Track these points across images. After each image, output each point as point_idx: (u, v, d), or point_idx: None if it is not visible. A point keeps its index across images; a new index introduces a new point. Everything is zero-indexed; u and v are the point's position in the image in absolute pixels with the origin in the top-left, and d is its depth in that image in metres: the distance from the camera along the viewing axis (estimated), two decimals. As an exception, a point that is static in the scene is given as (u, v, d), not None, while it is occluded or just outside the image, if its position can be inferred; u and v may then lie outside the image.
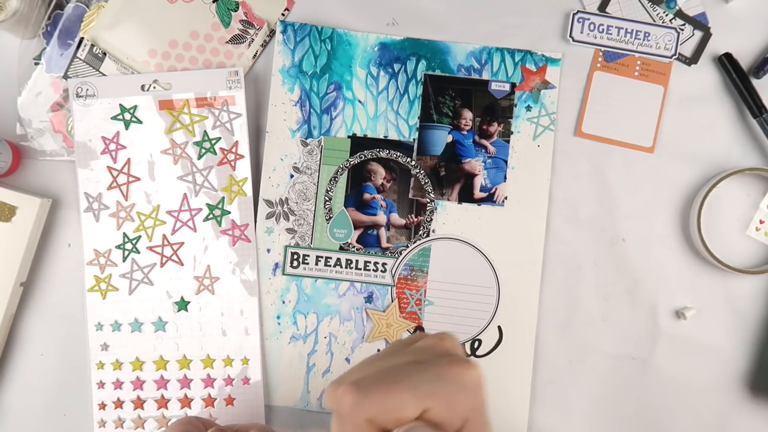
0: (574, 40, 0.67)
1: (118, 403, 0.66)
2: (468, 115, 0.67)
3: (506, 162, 0.67)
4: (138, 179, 0.67)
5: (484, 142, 0.67)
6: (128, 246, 0.67)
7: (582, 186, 0.68)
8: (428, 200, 0.67)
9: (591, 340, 0.67)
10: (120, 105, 0.66)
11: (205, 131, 0.67)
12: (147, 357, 0.66)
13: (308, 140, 0.67)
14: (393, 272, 0.66)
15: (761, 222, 0.66)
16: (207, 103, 0.66)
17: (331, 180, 0.67)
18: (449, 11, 0.68)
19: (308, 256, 0.67)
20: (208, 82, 0.67)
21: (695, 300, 0.67)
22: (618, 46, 0.67)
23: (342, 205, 0.67)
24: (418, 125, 0.67)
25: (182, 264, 0.67)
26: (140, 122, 0.67)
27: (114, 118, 0.67)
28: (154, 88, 0.66)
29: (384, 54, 0.67)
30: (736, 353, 0.66)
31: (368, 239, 0.67)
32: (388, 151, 0.67)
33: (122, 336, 0.67)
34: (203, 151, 0.67)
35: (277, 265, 0.67)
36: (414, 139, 0.67)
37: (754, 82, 0.66)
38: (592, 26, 0.67)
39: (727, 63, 0.66)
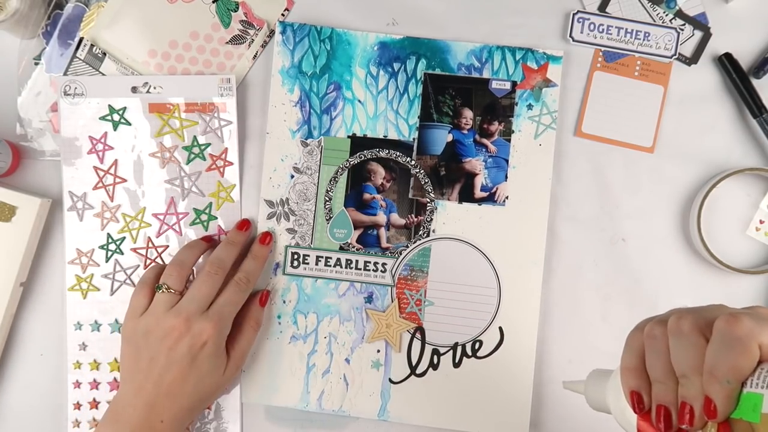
0: (574, 40, 0.67)
1: (94, 404, 0.66)
2: (468, 114, 0.67)
3: (507, 161, 0.67)
4: (124, 180, 0.67)
5: (485, 141, 0.67)
6: (112, 247, 0.67)
7: (582, 186, 0.67)
8: (428, 200, 0.66)
9: (591, 340, 0.67)
10: (109, 106, 0.66)
11: (195, 136, 0.67)
12: None
13: (308, 140, 0.67)
14: (393, 272, 0.66)
15: (761, 222, 0.66)
16: (197, 108, 0.66)
17: (331, 180, 0.67)
18: (449, 11, 0.68)
19: (308, 256, 0.66)
20: (199, 87, 0.67)
21: (695, 300, 0.67)
22: (618, 46, 0.67)
23: (342, 205, 0.67)
24: (418, 125, 0.67)
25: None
26: (129, 124, 0.67)
27: (102, 118, 0.66)
28: (148, 91, 0.66)
29: (383, 53, 0.67)
30: (737, 353, 0.66)
31: (368, 239, 0.67)
32: (388, 151, 0.67)
33: (101, 336, 0.67)
34: (192, 156, 0.67)
35: (277, 265, 0.67)
36: (414, 139, 0.67)
37: (754, 82, 0.66)
38: (592, 26, 0.67)
39: (727, 63, 0.66)
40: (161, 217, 0.67)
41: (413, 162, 0.67)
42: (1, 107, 0.68)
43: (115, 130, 0.67)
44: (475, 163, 0.67)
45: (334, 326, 0.66)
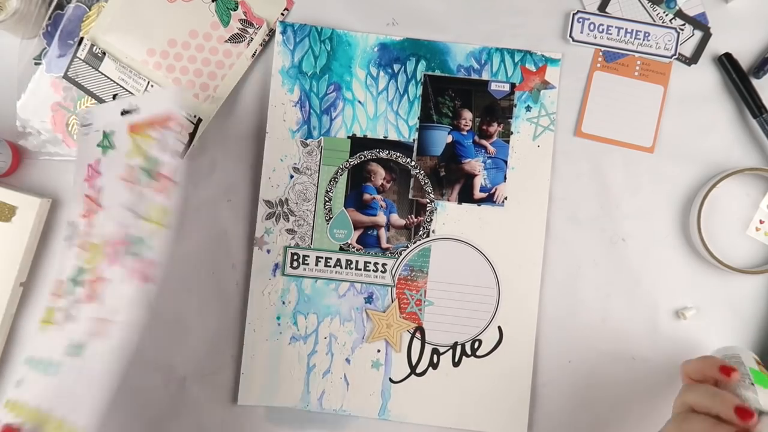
0: (574, 40, 0.67)
1: None
2: (468, 115, 0.67)
3: (506, 162, 0.67)
4: (101, 208, 0.60)
5: (484, 142, 0.67)
6: (77, 277, 0.58)
7: (582, 186, 0.67)
8: (428, 201, 0.67)
9: (591, 340, 0.67)
10: (103, 132, 0.61)
11: (151, 155, 0.58)
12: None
13: (308, 141, 0.67)
14: (393, 273, 0.66)
15: (761, 222, 0.66)
16: (157, 122, 0.58)
17: (330, 180, 0.67)
18: (449, 11, 0.68)
19: (308, 256, 0.67)
20: (161, 100, 0.59)
21: (695, 300, 0.67)
22: (618, 46, 0.67)
23: (342, 205, 0.67)
24: (417, 125, 0.67)
25: (98, 302, 0.57)
26: (113, 147, 0.60)
27: (98, 145, 0.61)
28: (130, 112, 0.60)
29: (384, 54, 0.67)
30: (736, 353, 0.66)
31: (368, 240, 0.67)
32: (387, 152, 0.67)
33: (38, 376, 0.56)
34: (145, 176, 0.57)
35: (276, 265, 0.67)
36: (414, 140, 0.67)
37: (754, 82, 0.66)
38: (592, 26, 0.67)
39: (727, 63, 0.66)
40: (113, 246, 0.57)
41: (413, 163, 0.67)
42: (1, 107, 0.68)
43: (104, 155, 0.61)
44: (475, 164, 0.67)
45: (335, 327, 0.66)
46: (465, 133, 0.67)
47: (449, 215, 0.67)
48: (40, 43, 0.67)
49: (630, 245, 0.67)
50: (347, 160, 0.67)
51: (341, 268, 0.67)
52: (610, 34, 0.67)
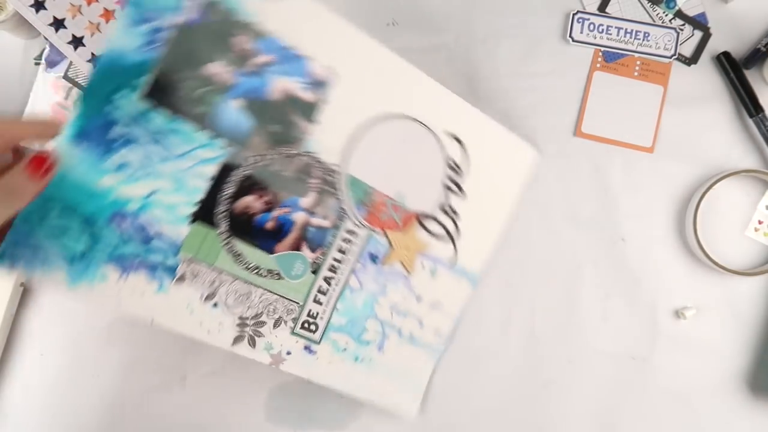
0: (573, 40, 0.67)
1: None
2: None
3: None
4: None
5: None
6: None
7: (582, 186, 0.68)
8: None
9: (591, 340, 0.67)
10: None
11: None
12: None
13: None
14: (355, 221, 0.58)
15: (760, 222, 0.66)
16: None
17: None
18: (449, 11, 0.68)
19: (313, 321, 0.59)
20: None
21: (695, 300, 0.67)
22: (618, 46, 0.67)
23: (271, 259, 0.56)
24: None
25: None
26: None
27: None
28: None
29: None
30: (736, 353, 0.66)
31: (315, 238, 0.57)
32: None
33: None
34: None
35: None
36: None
37: (752, 81, 0.66)
38: (591, 26, 0.67)
39: (724, 61, 0.66)
40: None
41: None
42: (1, 107, 0.68)
43: None
44: None
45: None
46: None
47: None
48: (41, 44, 0.67)
49: (630, 245, 0.67)
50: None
51: (335, 271, 0.61)
52: (610, 34, 0.67)
